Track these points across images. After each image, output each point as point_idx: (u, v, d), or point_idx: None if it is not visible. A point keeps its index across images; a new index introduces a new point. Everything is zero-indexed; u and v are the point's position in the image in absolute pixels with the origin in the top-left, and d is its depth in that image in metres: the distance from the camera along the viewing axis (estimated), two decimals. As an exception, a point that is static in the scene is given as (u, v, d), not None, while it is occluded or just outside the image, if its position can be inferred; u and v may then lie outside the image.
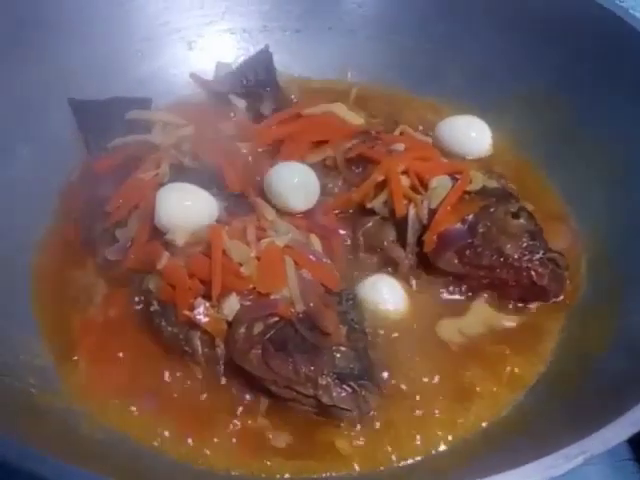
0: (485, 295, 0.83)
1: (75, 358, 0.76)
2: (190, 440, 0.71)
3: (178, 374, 0.75)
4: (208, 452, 0.70)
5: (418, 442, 0.71)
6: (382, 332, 0.79)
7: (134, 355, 0.77)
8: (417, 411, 0.73)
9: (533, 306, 0.82)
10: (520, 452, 0.62)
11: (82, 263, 0.85)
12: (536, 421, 0.70)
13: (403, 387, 0.75)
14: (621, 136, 0.87)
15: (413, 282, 0.84)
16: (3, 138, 0.87)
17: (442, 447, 0.71)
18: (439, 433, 0.72)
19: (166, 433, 0.71)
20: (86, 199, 0.88)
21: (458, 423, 0.73)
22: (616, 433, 0.55)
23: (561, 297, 0.82)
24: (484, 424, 0.73)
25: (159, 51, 1.02)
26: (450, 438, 0.71)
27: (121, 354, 0.77)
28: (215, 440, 0.71)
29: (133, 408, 0.73)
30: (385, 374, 0.75)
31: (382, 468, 0.69)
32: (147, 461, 0.69)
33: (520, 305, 0.82)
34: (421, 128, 0.98)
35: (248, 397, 0.73)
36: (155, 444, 0.70)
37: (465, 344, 0.79)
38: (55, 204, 0.90)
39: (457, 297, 0.83)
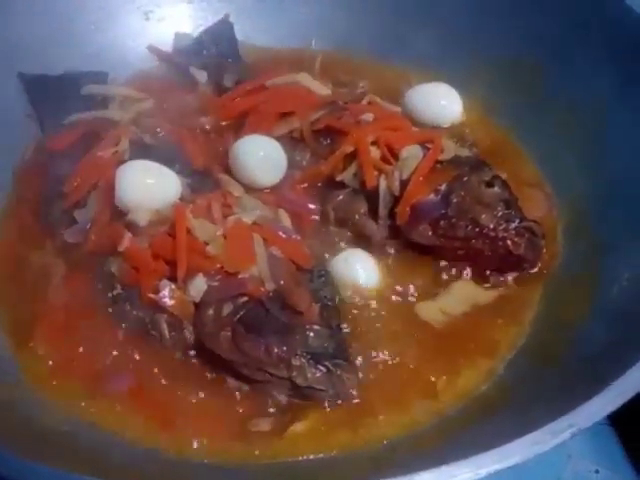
0: (466, 274, 0.81)
1: (32, 345, 0.73)
2: (159, 428, 0.68)
3: (145, 359, 0.72)
4: (179, 440, 0.68)
5: (398, 420, 0.69)
6: (356, 310, 0.77)
7: (97, 341, 0.73)
8: (396, 388, 0.72)
9: (511, 277, 0.81)
10: (503, 427, 0.61)
11: (39, 246, 0.82)
12: (518, 395, 0.69)
13: (380, 366, 0.73)
14: (595, 101, 0.86)
15: (387, 255, 0.82)
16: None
17: (423, 425, 0.69)
18: (419, 411, 0.70)
19: (135, 421, 0.69)
20: (42, 179, 0.86)
21: (439, 400, 0.71)
22: (604, 405, 0.54)
23: (538, 266, 0.81)
24: (465, 400, 0.71)
25: (114, 22, 0.99)
26: (431, 415, 0.70)
27: (83, 340, 0.73)
28: (184, 427, 0.69)
29: (98, 396, 0.70)
30: (360, 353, 0.73)
31: (362, 449, 0.67)
32: (117, 450, 0.66)
33: (498, 277, 0.81)
34: (393, 96, 0.96)
35: (219, 382, 0.71)
36: (125, 433, 0.68)
37: (446, 322, 0.78)
38: (8, 185, 0.87)
39: (433, 271, 0.82)
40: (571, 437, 0.52)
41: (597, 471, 1.15)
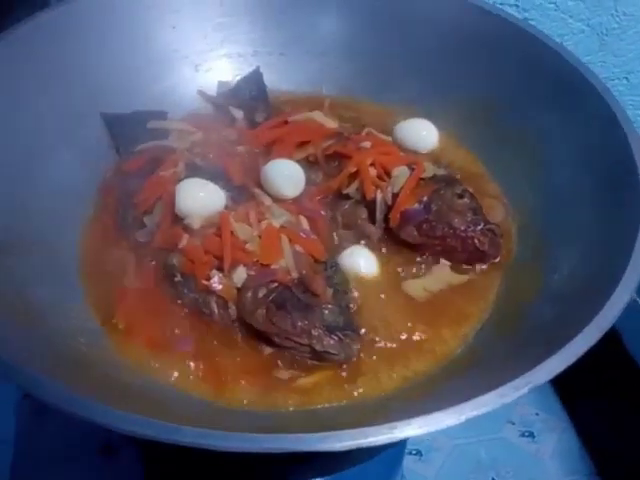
0: (443, 261, 0.80)
1: (114, 321, 0.72)
2: (211, 382, 0.68)
3: (199, 330, 0.72)
4: (226, 391, 0.67)
5: (392, 377, 0.69)
6: (359, 292, 0.76)
7: (163, 317, 0.73)
8: (390, 351, 0.71)
9: (478, 267, 0.80)
10: (475, 384, 0.60)
11: (117, 244, 0.81)
12: (485, 357, 0.68)
13: (376, 335, 0.73)
14: (540, 133, 0.85)
15: (383, 251, 0.81)
16: (50, 146, 0.83)
17: (411, 381, 0.69)
18: (408, 370, 0.70)
19: (193, 377, 0.68)
20: (119, 193, 0.84)
21: (423, 360, 0.71)
22: (553, 368, 0.54)
23: (498, 259, 0.80)
24: (444, 361, 0.71)
25: (172, 73, 0.98)
26: (417, 373, 0.70)
27: (152, 317, 0.73)
28: (230, 381, 0.68)
29: (165, 357, 0.69)
30: (362, 324, 0.73)
31: (366, 400, 0.67)
32: (178, 401, 0.66)
33: (467, 267, 0.80)
34: (385, 129, 0.95)
35: (257, 347, 0.70)
36: (183, 386, 0.68)
37: (428, 297, 0.77)
38: (95, 198, 0.86)
39: (417, 262, 0.81)
40: (528, 391, 0.52)
41: (537, 414, 1.16)
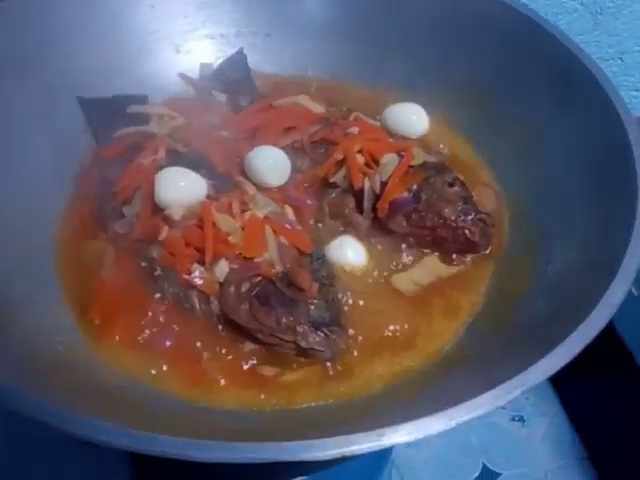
0: (432, 252, 0.78)
1: (90, 316, 0.70)
2: (191, 380, 0.65)
3: (180, 326, 0.69)
4: (207, 390, 0.65)
5: (379, 375, 0.67)
6: (347, 285, 0.73)
7: (142, 312, 0.70)
8: (377, 347, 0.69)
9: (468, 258, 0.77)
10: (464, 384, 0.58)
11: (94, 236, 0.78)
12: (477, 353, 0.66)
13: (364, 330, 0.70)
14: (534, 117, 0.82)
15: (371, 241, 0.78)
16: (24, 133, 0.79)
17: (399, 379, 0.67)
18: (397, 367, 0.68)
19: (172, 375, 0.66)
20: (97, 181, 0.81)
21: (412, 357, 0.69)
22: (547, 366, 0.52)
23: (489, 249, 0.78)
24: (434, 357, 0.69)
25: (151, 55, 0.94)
26: (406, 371, 0.67)
27: (131, 311, 0.70)
28: (211, 379, 0.66)
29: (143, 355, 0.67)
30: (350, 320, 0.70)
31: (352, 399, 0.65)
32: (158, 402, 0.63)
33: (458, 257, 0.78)
34: (374, 114, 0.91)
35: (240, 344, 0.68)
36: (163, 386, 0.65)
37: (417, 290, 0.75)
38: (71, 186, 0.83)
39: (407, 253, 0.78)
40: (521, 393, 0.50)
41: (527, 398, 1.16)
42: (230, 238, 0.69)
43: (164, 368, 0.66)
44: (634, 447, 1.04)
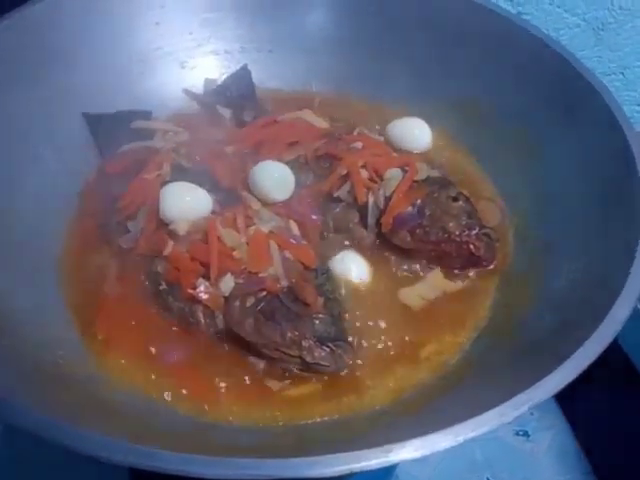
0: (437, 267, 0.78)
1: (94, 330, 0.70)
2: (197, 395, 0.65)
3: (185, 341, 0.69)
4: (209, 406, 0.65)
5: (385, 389, 0.67)
6: (352, 300, 0.73)
7: (145, 327, 0.70)
8: (383, 362, 0.68)
9: (472, 273, 0.77)
10: (470, 398, 0.58)
11: (99, 250, 0.78)
12: (483, 368, 0.66)
13: (369, 345, 0.70)
14: (539, 130, 0.83)
15: (375, 256, 0.78)
16: (29, 148, 0.79)
17: (406, 393, 0.66)
18: (403, 381, 0.67)
19: (177, 390, 0.65)
20: (101, 196, 0.81)
21: (418, 371, 0.68)
22: (553, 383, 0.51)
23: (494, 264, 0.77)
24: (440, 371, 0.68)
25: (156, 71, 0.94)
26: (412, 385, 0.67)
27: (134, 326, 0.70)
28: (215, 394, 0.65)
29: (148, 370, 0.66)
30: (356, 335, 0.70)
31: (358, 414, 0.64)
32: (161, 417, 0.63)
33: (462, 272, 0.77)
34: (377, 128, 0.92)
35: (245, 359, 0.67)
36: (166, 401, 0.65)
37: (424, 305, 0.75)
38: (75, 201, 0.83)
39: (411, 268, 0.78)
40: (528, 410, 0.49)
41: (532, 413, 1.15)
42: (235, 253, 0.69)
43: (168, 383, 0.66)
44: (639, 462, 1.03)
